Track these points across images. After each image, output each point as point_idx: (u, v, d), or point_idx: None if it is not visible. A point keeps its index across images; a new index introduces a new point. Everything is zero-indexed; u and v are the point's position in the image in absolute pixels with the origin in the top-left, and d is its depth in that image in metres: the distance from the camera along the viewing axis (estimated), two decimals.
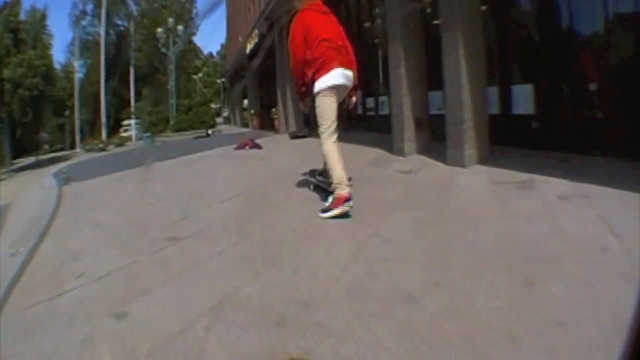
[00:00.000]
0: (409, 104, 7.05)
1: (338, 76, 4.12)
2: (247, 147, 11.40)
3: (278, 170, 7.57)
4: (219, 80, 63.67)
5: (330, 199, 4.07)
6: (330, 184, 4.13)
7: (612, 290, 2.09)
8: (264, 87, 27.05)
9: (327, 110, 4.13)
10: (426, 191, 4.72)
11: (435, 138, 6.99)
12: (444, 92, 6.05)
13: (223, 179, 7.68)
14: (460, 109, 5.60)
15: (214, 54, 74.93)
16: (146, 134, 28.92)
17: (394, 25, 7.23)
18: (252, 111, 26.41)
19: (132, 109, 42.60)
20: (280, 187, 5.76)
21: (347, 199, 3.89)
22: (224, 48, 63.59)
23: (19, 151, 50.56)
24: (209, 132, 26.30)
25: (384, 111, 10.68)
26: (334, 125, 4.18)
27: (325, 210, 3.98)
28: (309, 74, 4.17)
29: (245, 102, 31.66)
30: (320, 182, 4.92)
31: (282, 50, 14.97)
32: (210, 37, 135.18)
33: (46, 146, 54.20)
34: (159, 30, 37.66)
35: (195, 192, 6.51)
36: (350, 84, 4.29)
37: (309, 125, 12.91)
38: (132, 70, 45.29)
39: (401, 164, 6.38)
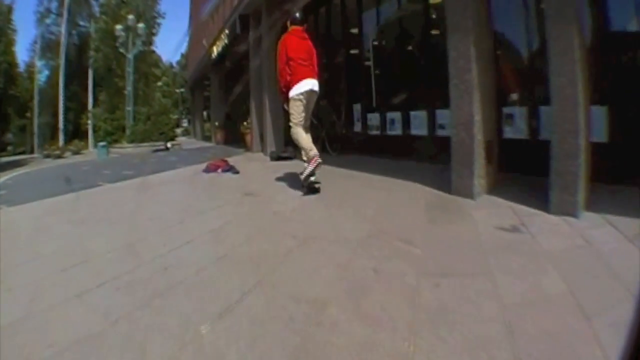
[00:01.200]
0: (480, 124, 4.62)
1: (303, 85, 5.60)
2: (219, 170, 8.66)
3: (282, 217, 4.61)
4: (178, 90, 61.14)
5: (306, 164, 5.46)
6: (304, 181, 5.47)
7: None
8: (232, 97, 24.48)
9: (296, 109, 5.63)
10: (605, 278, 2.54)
11: (502, 169, 5.10)
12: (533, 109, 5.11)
13: (199, 236, 4.06)
14: (575, 135, 3.71)
15: (174, 64, 71.05)
16: (101, 144, 25.73)
17: (458, 11, 4.75)
18: (217, 124, 23.85)
19: (90, 115, 39.62)
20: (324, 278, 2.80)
21: (317, 158, 5.37)
22: (185, 57, 63.18)
23: None
24: (168, 145, 23.78)
25: (395, 131, 8.51)
26: (302, 121, 5.64)
27: (303, 173, 5.41)
28: (286, 83, 5.69)
29: (205, 113, 29.85)
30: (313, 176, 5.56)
31: (260, 54, 12.49)
32: (170, 46, 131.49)
33: (10, 148, 51.91)
34: (118, 27, 33.66)
35: (154, 270, 3.17)
36: (316, 88, 5.72)
37: (290, 144, 10.50)
38: (90, 73, 41.86)
39: (482, 213, 4.07)
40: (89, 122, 39.03)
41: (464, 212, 4.14)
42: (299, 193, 5.57)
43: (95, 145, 36.62)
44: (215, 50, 20.50)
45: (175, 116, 45.53)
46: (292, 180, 6.53)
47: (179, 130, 36.61)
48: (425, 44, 8.13)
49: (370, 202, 4.81)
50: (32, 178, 14.75)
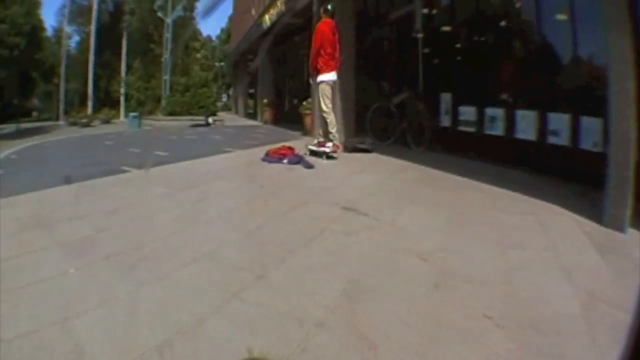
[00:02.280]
0: (635, 143, 3.74)
1: (332, 75, 7.89)
2: (285, 160, 7.36)
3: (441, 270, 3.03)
4: (217, 64, 60.68)
5: (330, 146, 7.62)
6: (323, 153, 7.60)
7: None
8: (286, 71, 24.13)
9: (327, 95, 7.83)
10: None
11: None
12: None
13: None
14: None
15: (213, 37, 71.77)
16: (132, 114, 25.63)
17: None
18: (265, 100, 22.79)
19: (122, 83, 39.74)
20: None
21: (338, 147, 7.80)
22: (225, 32, 65.77)
23: (5, 116, 48.91)
24: (210, 120, 23.17)
25: (495, 131, 7.44)
26: (332, 107, 7.96)
27: (327, 155, 7.54)
28: (315, 69, 7.91)
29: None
30: (316, 149, 7.88)
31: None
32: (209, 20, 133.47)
33: (35, 114, 53.25)
34: None
35: None
36: (336, 79, 8.04)
37: (368, 132, 9.77)
38: (124, 38, 42.26)
39: None
40: (121, 90, 39.22)
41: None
42: (427, 212, 4.47)
43: (127, 115, 36.70)
44: (268, 19, 19.75)
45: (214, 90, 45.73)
46: (398, 185, 5.68)
47: (218, 105, 36.31)
48: (537, 27, 7.06)
49: (528, 235, 3.79)
50: (43, 152, 13.88)
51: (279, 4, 17.60)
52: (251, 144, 11.07)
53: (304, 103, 13.53)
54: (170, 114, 25.79)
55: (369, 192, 5.44)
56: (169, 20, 32.31)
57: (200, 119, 23.50)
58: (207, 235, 3.82)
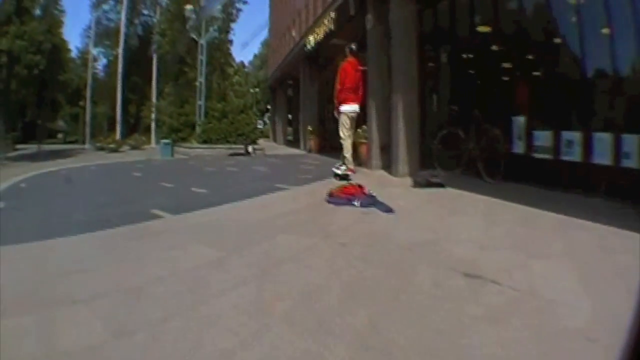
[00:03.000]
0: None
1: (352, 107, 9.68)
2: (356, 202, 6.41)
3: None
4: (252, 90, 61.86)
5: (343, 169, 9.53)
6: (335, 174, 9.48)
7: None
8: (331, 97, 23.73)
9: (346, 124, 9.70)
10: None
11: None
12: None
13: None
14: None
15: (246, 63, 73.70)
16: (165, 141, 25.42)
17: None
18: (310, 128, 22.58)
19: (153, 108, 40.27)
20: None
21: (353, 171, 9.55)
22: (258, 57, 68.86)
23: (28, 136, 50.43)
24: (250, 149, 23.18)
25: (571, 156, 7.14)
26: (350, 135, 9.82)
27: (339, 175, 9.36)
28: (338, 103, 9.80)
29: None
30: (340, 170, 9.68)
31: (383, 40, 11.59)
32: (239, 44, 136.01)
33: (61, 136, 54.67)
34: (188, 7, 33.30)
35: None
36: (358, 110, 9.86)
37: (435, 164, 9.49)
38: (154, 60, 43.15)
39: None
40: (152, 115, 39.81)
41: None
42: (561, 269, 3.70)
43: (158, 142, 37.00)
44: (312, 40, 20.01)
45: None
46: (502, 231, 5.01)
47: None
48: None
49: None
50: (59, 182, 12.93)
51: (326, 22, 17.71)
52: (304, 177, 10.54)
53: (359, 131, 12.67)
54: (205, 142, 25.71)
55: (477, 244, 4.52)
56: (202, 42, 32.41)
57: (239, 148, 23.48)
58: (297, 348, 2.39)
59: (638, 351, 1.06)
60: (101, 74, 52.94)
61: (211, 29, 35.19)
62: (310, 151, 21.93)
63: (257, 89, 59.08)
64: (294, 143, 30.29)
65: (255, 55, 72.21)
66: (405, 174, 10.04)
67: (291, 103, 34.88)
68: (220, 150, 23.91)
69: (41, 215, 7.25)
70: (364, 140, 12.54)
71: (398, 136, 10.55)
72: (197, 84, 32.17)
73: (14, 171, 16.89)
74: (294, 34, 26.80)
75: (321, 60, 22.84)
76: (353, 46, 10.14)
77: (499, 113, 9.09)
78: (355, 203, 6.38)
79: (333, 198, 6.72)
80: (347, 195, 6.69)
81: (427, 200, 7.12)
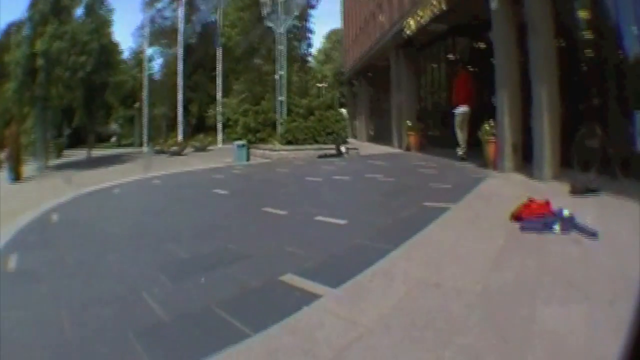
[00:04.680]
0: None
1: (462, 108, 15.05)
2: (555, 226, 5.53)
3: None
4: (318, 85, 62.59)
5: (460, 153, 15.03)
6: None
7: None
8: (432, 88, 24.13)
9: (457, 121, 15.17)
10: None
11: None
12: None
13: None
14: None
15: (310, 58, 74.91)
16: (239, 142, 24.81)
17: None
18: (409, 123, 22.08)
19: (219, 107, 41.04)
20: None
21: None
22: (322, 52, 73.43)
23: (75, 142, 53.12)
24: (342, 149, 22.44)
25: None
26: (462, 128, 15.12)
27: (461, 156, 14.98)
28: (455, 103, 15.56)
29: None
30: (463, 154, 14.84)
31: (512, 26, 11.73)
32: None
33: (113, 139, 57.06)
34: None
35: None
36: (468, 110, 14.93)
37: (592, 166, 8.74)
38: (218, 54, 43.60)
39: None
40: (217, 113, 40.51)
41: None
42: None
43: (224, 142, 37.97)
44: (413, 24, 19.56)
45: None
46: None
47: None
48: None
49: None
50: (104, 213, 10.48)
51: (435, 2, 17.12)
52: (442, 188, 9.82)
53: (486, 127, 12.62)
54: (290, 142, 25.06)
55: None
56: (281, 31, 31.53)
57: (328, 148, 22.84)
58: None
59: (638, 351, 1.14)
60: (157, 74, 54.61)
61: (291, 15, 33.66)
62: (408, 149, 21.66)
63: (323, 84, 59.67)
64: (378, 139, 30.24)
65: (318, 50, 74.33)
66: (550, 177, 9.78)
67: (374, 96, 34.95)
68: (306, 151, 23.27)
69: (65, 294, 4.89)
70: (491, 138, 12.33)
71: (542, 134, 10.22)
72: (277, 77, 30.99)
73: (45, 190, 16.52)
74: (381, 18, 26.71)
75: (417, 47, 22.62)
76: (462, 62, 16.90)
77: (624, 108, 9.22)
78: (555, 228, 5.52)
79: (525, 222, 5.84)
80: (538, 216, 5.86)
81: (611, 214, 6.33)
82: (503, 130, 11.77)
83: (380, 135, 31.25)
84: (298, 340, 3.25)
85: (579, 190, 7.71)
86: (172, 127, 49.97)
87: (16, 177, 25.60)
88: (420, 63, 24.05)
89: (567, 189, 8.01)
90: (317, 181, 13.69)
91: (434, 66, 23.54)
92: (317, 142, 24.06)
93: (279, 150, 24.10)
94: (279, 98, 29.44)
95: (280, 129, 27.57)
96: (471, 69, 16.94)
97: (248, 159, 23.28)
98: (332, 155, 21.60)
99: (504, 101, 11.72)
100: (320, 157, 21.62)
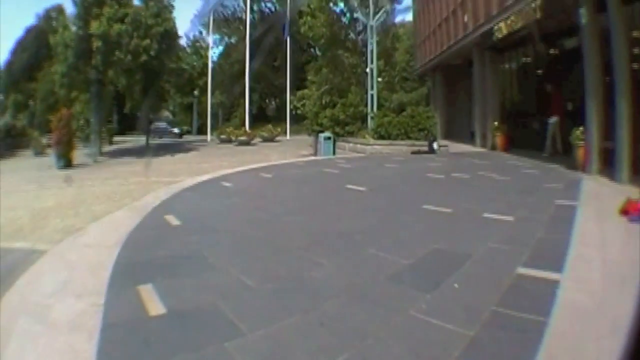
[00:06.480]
0: None
1: (553, 119, 19.61)
2: None
3: None
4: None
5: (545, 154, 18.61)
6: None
7: None
8: (515, 90, 26.19)
9: (552, 130, 19.81)
10: None
11: None
12: None
13: None
14: None
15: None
16: (325, 135, 26.28)
17: None
18: (496, 124, 23.94)
19: (291, 97, 44.46)
20: None
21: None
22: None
23: (125, 128, 56.89)
24: (435, 146, 23.41)
25: None
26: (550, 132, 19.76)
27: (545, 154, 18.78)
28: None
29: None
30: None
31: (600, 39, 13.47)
32: None
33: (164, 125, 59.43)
34: None
35: None
36: (557, 119, 19.62)
37: None
38: (287, 43, 46.93)
39: None
40: (289, 103, 44.48)
41: None
42: None
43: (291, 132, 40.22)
44: (505, 28, 21.83)
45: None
46: None
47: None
48: None
49: None
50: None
51: (529, 10, 19.34)
52: (558, 187, 11.98)
53: (577, 132, 14.66)
54: (382, 137, 25.77)
55: None
56: (372, 23, 32.52)
57: (420, 145, 23.83)
58: None
59: (638, 351, 1.26)
60: (215, 62, 56.90)
61: (383, 8, 34.85)
62: (493, 149, 23.52)
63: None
64: (454, 137, 31.35)
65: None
66: (627, 181, 11.69)
67: (452, 94, 36.61)
68: (401, 147, 24.14)
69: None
70: (580, 143, 14.26)
71: (622, 139, 12.05)
72: (367, 70, 31.90)
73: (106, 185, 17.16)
74: (466, 19, 28.44)
75: (501, 49, 24.69)
76: (557, 82, 20.57)
77: None
78: None
79: (631, 217, 8.12)
80: (637, 211, 8.08)
81: None
82: (592, 137, 13.67)
83: (455, 133, 33.04)
84: None
85: None
86: (229, 116, 54.06)
87: (66, 163, 27.44)
88: (504, 65, 26.07)
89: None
90: (441, 178, 14.80)
91: (515, 69, 25.69)
92: (409, 138, 25.05)
93: (372, 145, 25.32)
94: (370, 92, 30.38)
95: (371, 124, 28.54)
96: (554, 77, 20.12)
97: (334, 153, 24.63)
98: (425, 152, 22.80)
99: (592, 110, 13.62)
100: (413, 153, 22.98)
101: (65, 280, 6.00)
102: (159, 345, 4.18)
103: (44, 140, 38.88)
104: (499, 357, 3.80)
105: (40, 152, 38.41)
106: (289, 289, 5.46)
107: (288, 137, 43.76)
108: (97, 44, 34.13)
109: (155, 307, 4.96)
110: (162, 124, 61.34)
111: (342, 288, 5.37)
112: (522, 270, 5.70)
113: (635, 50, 13.20)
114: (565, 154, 16.87)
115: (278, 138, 42.86)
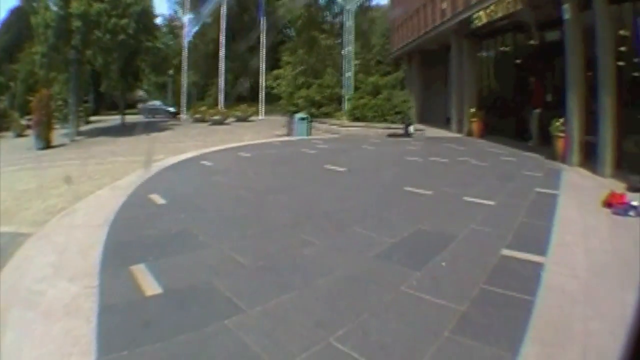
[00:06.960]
0: None
1: (536, 110, 19.02)
2: (631, 213, 8.57)
3: None
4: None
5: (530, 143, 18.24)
6: None
7: None
8: (496, 77, 26.18)
9: (532, 119, 19.61)
10: None
11: None
12: None
13: None
14: None
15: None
16: (300, 115, 26.04)
17: None
18: (473, 110, 23.90)
19: (262, 78, 43.61)
20: None
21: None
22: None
23: (100, 108, 56.22)
24: (411, 129, 23.51)
25: None
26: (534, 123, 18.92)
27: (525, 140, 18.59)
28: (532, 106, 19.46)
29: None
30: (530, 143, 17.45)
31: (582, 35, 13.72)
32: None
33: (140, 106, 59.32)
34: None
35: None
36: (539, 110, 19.04)
37: None
38: (262, 22, 45.95)
39: None
40: (263, 83, 43.55)
41: None
42: None
43: (267, 113, 39.96)
44: (484, 17, 21.56)
45: None
46: None
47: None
48: None
49: None
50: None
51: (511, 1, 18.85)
52: (539, 176, 12.29)
53: (557, 123, 14.86)
54: (357, 119, 26.02)
55: None
56: (349, 7, 33.00)
57: (395, 127, 23.87)
58: None
59: (638, 351, 1.25)
60: (190, 42, 57.01)
61: None
62: (469, 135, 23.52)
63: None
64: (429, 122, 30.93)
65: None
66: (609, 175, 11.99)
67: (429, 78, 36.29)
68: (377, 129, 24.21)
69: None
70: (561, 134, 14.45)
71: (606, 134, 12.29)
72: (344, 52, 32.72)
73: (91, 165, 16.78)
74: (444, 6, 28.02)
75: (479, 37, 24.50)
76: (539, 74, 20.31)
77: None
78: (631, 213, 8.38)
79: (614, 209, 8.61)
80: (621, 204, 8.62)
81: None
82: (572, 129, 13.94)
83: (430, 118, 32.87)
84: None
85: (634, 188, 10.15)
86: (203, 94, 53.74)
87: (45, 144, 26.99)
88: (481, 53, 26.04)
89: (623, 185, 10.48)
90: (420, 162, 15.22)
91: (493, 57, 25.81)
92: (385, 120, 25.18)
93: (347, 127, 25.52)
94: (347, 74, 30.71)
95: (347, 105, 28.84)
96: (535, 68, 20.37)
97: (309, 134, 24.50)
98: (400, 135, 22.99)
99: (574, 103, 13.88)
100: (389, 135, 23.13)
101: (55, 263, 6.01)
102: (160, 326, 4.28)
103: (24, 122, 38.36)
104: (491, 330, 4.14)
105: (20, 133, 37.76)
106: (281, 266, 5.79)
107: (262, 117, 43.54)
108: (76, 23, 33.50)
109: (151, 287, 5.09)
110: (157, 102, 60.62)
111: (333, 265, 5.71)
112: (506, 251, 6.10)
113: (620, 48, 13.11)
114: (543, 144, 17.13)
115: (252, 118, 42.76)
